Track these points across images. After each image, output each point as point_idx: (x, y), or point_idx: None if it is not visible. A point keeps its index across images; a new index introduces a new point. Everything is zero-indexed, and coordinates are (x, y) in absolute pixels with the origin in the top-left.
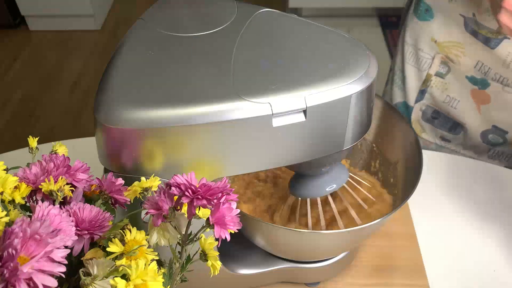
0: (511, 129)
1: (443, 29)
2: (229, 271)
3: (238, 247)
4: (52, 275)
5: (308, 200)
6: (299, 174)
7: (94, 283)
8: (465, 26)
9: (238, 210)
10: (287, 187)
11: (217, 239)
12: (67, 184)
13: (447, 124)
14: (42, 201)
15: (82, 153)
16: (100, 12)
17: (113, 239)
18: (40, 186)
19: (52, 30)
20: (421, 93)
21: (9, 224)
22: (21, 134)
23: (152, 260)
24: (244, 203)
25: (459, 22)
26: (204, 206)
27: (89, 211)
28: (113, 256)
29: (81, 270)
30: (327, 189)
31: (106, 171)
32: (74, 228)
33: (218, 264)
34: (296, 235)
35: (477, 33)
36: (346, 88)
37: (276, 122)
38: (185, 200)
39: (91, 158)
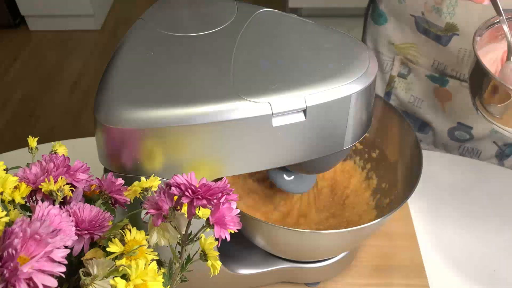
0: (475, 124)
1: (398, 31)
2: (229, 271)
3: (238, 247)
4: (52, 275)
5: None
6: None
7: (94, 283)
8: (416, 26)
9: (238, 210)
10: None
11: (217, 239)
12: (67, 184)
13: (416, 125)
14: (42, 201)
15: (82, 153)
16: (100, 12)
17: (113, 239)
18: (40, 186)
19: (52, 30)
20: (387, 95)
21: (9, 224)
22: (21, 134)
23: (152, 260)
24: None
25: (411, 22)
26: (204, 206)
27: (89, 211)
28: (113, 256)
29: (81, 270)
30: (313, 180)
31: (106, 171)
32: (74, 228)
33: (218, 264)
34: (296, 235)
35: (429, 31)
36: (346, 88)
37: (276, 122)
38: (185, 200)
39: (91, 158)
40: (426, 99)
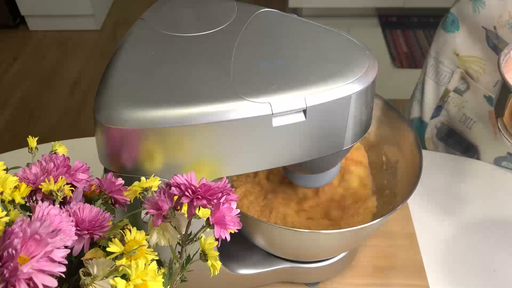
0: None
1: (466, 42)
2: (229, 271)
3: (238, 247)
4: (52, 275)
5: None
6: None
7: (94, 283)
8: (486, 40)
9: (238, 210)
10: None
11: (217, 239)
12: (67, 184)
13: (461, 145)
14: (42, 201)
15: (82, 153)
16: (100, 12)
17: (113, 239)
18: (40, 186)
19: (52, 30)
20: (438, 109)
21: (9, 224)
22: (21, 134)
23: (152, 260)
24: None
25: (481, 35)
26: (204, 206)
27: (89, 211)
28: (113, 256)
29: (81, 270)
30: (331, 173)
31: (106, 171)
32: (74, 228)
33: (218, 264)
34: (296, 235)
35: (497, 48)
36: (346, 88)
37: (276, 122)
38: (185, 200)
39: (91, 158)
40: (479, 121)
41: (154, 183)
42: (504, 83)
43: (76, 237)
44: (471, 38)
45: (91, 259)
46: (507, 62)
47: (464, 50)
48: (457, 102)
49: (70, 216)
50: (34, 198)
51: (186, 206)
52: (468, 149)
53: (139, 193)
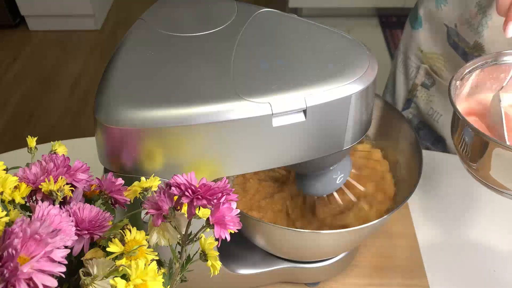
0: None
1: (429, 39)
2: (229, 271)
3: (238, 247)
4: (52, 275)
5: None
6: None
7: (94, 283)
8: (447, 37)
9: (238, 210)
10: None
11: (217, 239)
12: (67, 184)
13: (431, 137)
14: (42, 201)
15: (82, 153)
16: (100, 12)
17: (113, 239)
18: (40, 186)
19: (52, 30)
20: (408, 102)
21: (9, 224)
22: (21, 134)
23: (152, 260)
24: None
25: (443, 32)
26: (204, 206)
27: (89, 211)
28: (113, 256)
29: (81, 270)
30: (338, 182)
31: (106, 171)
32: (74, 228)
33: (218, 264)
34: (296, 235)
35: (458, 46)
36: (346, 88)
37: (276, 122)
38: (185, 200)
39: (91, 158)
40: (445, 115)
41: (154, 183)
42: (454, 112)
43: (76, 237)
44: (433, 35)
45: (91, 259)
46: (457, 91)
47: (427, 47)
48: (425, 96)
49: (70, 216)
50: (34, 198)
51: (186, 206)
52: (437, 142)
53: (139, 193)
